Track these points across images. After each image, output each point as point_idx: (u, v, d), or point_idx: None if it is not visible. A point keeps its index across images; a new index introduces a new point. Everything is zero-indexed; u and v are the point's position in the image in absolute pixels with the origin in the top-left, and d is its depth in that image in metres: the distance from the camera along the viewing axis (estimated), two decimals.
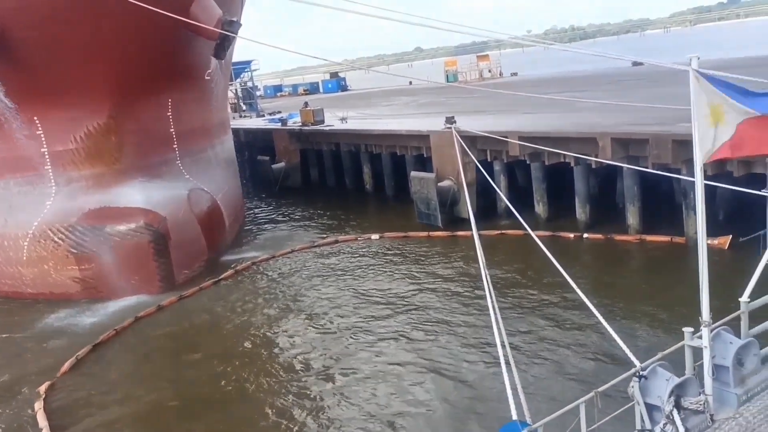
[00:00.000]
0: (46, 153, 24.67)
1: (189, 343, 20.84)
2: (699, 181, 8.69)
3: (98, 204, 24.84)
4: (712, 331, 8.88)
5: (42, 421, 16.16)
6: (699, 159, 8.55)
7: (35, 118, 24.05)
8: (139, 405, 17.08)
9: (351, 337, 19.28)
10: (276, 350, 19.51)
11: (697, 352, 9.05)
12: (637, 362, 9.07)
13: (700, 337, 8.87)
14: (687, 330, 9.15)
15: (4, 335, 23.03)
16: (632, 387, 8.82)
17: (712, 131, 8.19)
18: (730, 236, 21.51)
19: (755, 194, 15.97)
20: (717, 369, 9.06)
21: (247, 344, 20.14)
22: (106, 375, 19.00)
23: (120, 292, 24.65)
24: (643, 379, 8.76)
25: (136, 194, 25.13)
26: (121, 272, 24.61)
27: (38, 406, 16.94)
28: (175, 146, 27.62)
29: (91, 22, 22.00)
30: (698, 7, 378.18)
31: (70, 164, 24.86)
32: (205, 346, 20.33)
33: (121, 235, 24.39)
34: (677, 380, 8.70)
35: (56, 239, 24.74)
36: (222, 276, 26.01)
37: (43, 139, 24.47)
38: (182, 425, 15.94)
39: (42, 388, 17.83)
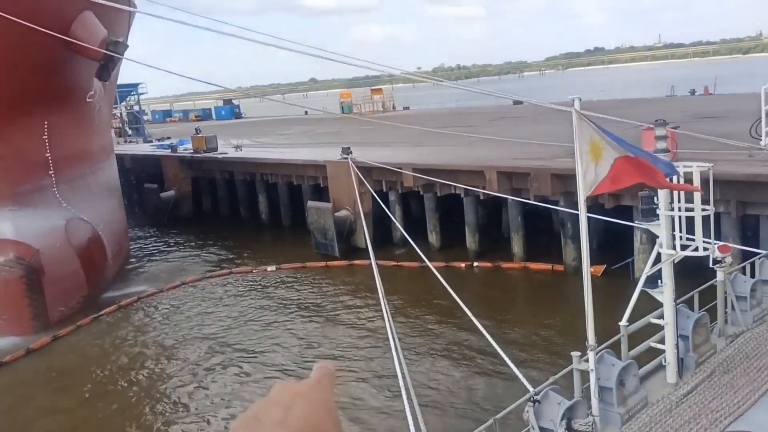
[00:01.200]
0: None
1: (59, 389, 19.04)
2: (583, 215, 9.28)
3: None
4: (597, 354, 9.41)
5: None
6: (582, 193, 9.15)
7: None
8: None
9: (241, 375, 18.54)
10: (157, 393, 18.35)
11: (584, 375, 9.55)
12: (530, 387, 9.41)
13: (587, 361, 9.37)
14: (575, 354, 9.64)
15: None
16: (527, 412, 9.13)
17: (593, 167, 8.80)
18: (605, 265, 23.12)
19: (623, 225, 17.41)
20: (602, 391, 9.60)
21: (125, 386, 18.83)
22: None
23: None
24: (537, 404, 9.10)
25: (4, 224, 22.97)
26: None
27: None
28: (51, 172, 25.63)
29: None
30: (569, 53, 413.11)
31: None
32: (82, 392, 18.71)
33: None
34: (568, 403, 9.11)
35: None
36: (102, 312, 24.24)
37: None
38: None
39: None
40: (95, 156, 30.43)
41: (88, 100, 27.72)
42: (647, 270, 10.30)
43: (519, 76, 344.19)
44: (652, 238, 10.70)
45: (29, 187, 24.48)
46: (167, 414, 16.91)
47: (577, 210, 9.70)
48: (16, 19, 18.84)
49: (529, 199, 23.04)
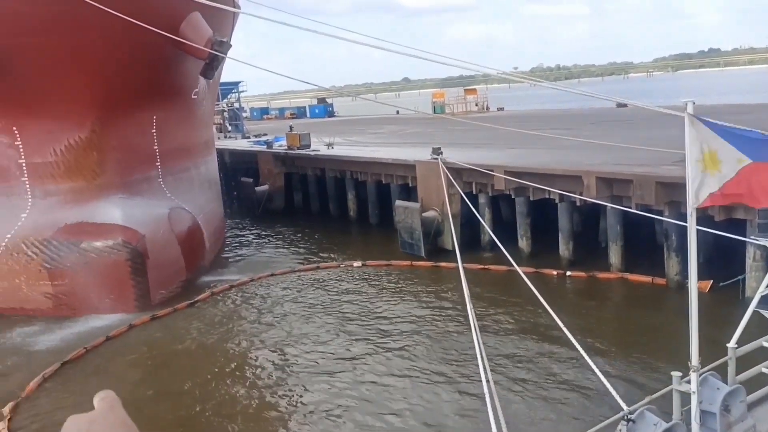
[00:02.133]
0: (23, 164, 24.12)
1: (158, 363, 20.30)
2: (692, 227, 8.61)
3: (76, 219, 24.26)
4: (700, 376, 8.76)
5: None
6: (691, 204, 8.49)
7: (14, 128, 23.56)
8: None
9: (325, 366, 18.83)
10: (247, 374, 19.05)
11: (685, 397, 8.91)
12: (624, 406, 8.90)
13: (689, 382, 8.73)
14: (675, 374, 9.02)
15: None
16: (620, 431, 8.64)
17: (704, 177, 8.13)
18: (711, 281, 21.61)
19: (735, 240, 16.14)
20: (704, 415, 8.92)
21: (219, 366, 19.62)
22: (73, 395, 18.28)
23: (94, 310, 23.95)
24: (630, 423, 8.60)
25: (115, 210, 24.61)
26: (96, 290, 23.93)
27: (2, 426, 16.21)
28: (157, 164, 27.23)
29: (77, 34, 21.73)
30: (680, 54, 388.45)
31: (48, 177, 24.31)
32: (175, 368, 19.84)
33: (97, 252, 23.80)
34: (665, 425, 8.54)
35: (30, 253, 24.05)
36: (198, 298, 25.44)
37: (22, 150, 23.95)
38: None
39: (6, 409, 17.10)
40: (198, 150, 32.02)
41: (193, 96, 29.20)
42: (762, 289, 9.45)
43: (624, 77, 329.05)
44: None
45: (138, 177, 26.09)
46: (246, 392, 17.47)
47: (684, 221, 9.02)
48: (131, 19, 20.03)
49: (630, 208, 21.87)
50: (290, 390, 17.60)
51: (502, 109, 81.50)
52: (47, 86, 22.74)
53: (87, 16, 21.26)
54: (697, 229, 8.58)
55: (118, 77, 23.47)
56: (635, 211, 19.98)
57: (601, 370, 10.27)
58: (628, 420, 8.59)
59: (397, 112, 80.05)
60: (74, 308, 24.10)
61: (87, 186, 24.58)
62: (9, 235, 24.26)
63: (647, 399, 9.13)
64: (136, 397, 18.12)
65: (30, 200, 24.45)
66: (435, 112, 73.95)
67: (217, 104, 57.70)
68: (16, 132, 23.73)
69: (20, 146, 23.95)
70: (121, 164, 25.22)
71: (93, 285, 23.84)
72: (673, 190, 21.71)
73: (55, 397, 18.20)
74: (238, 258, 32.72)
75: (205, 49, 24.26)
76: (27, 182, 24.33)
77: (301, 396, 17.22)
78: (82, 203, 24.43)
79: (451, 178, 26.36)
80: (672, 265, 22.75)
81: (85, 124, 23.90)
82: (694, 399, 8.67)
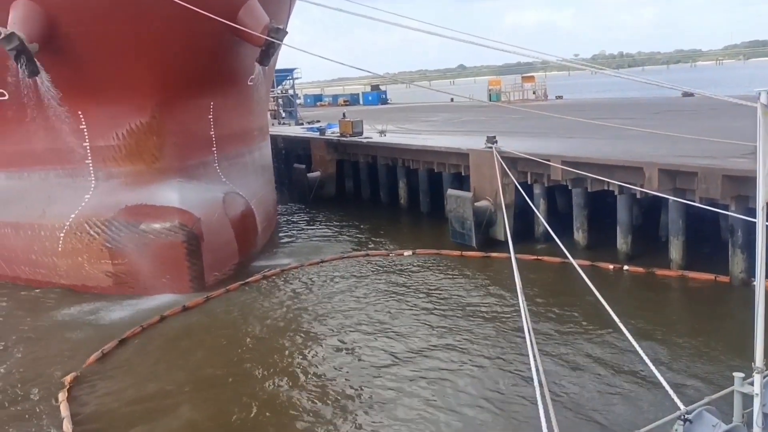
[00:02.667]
0: (88, 147, 25.04)
1: (211, 344, 20.76)
2: (761, 223, 8.13)
3: (135, 201, 25.06)
4: (764, 378, 8.34)
5: (64, 411, 16.24)
6: (762, 198, 7.99)
7: (80, 112, 24.45)
8: (159, 400, 17.03)
9: (372, 354, 18.84)
10: (295, 356, 19.30)
11: (747, 399, 8.52)
12: (681, 405, 8.58)
13: (752, 384, 8.34)
14: (737, 375, 8.64)
15: (34, 324, 23.29)
16: (676, 431, 8.34)
17: None
18: None
19: None
20: (766, 418, 8.50)
21: (269, 348, 19.97)
22: (129, 370, 19.01)
23: (151, 289, 24.77)
24: (687, 423, 8.29)
25: (172, 194, 25.29)
26: (153, 270, 24.73)
27: (62, 396, 17.00)
28: (213, 149, 27.80)
29: (139, 21, 22.32)
30: (753, 41, 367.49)
31: (110, 160, 25.18)
32: (227, 348, 20.26)
33: (155, 233, 24.54)
34: (725, 427, 8.24)
35: (92, 233, 25.02)
36: (249, 280, 25.93)
37: (86, 133, 24.85)
38: (207, 426, 15.79)
39: (67, 379, 17.90)
40: (253, 136, 32.53)
41: (249, 83, 29.61)
42: None
43: (691, 65, 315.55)
44: None
45: (195, 161, 26.72)
46: (294, 374, 17.70)
47: (752, 217, 8.53)
48: (191, 7, 20.42)
49: (693, 201, 20.94)
50: (338, 375, 17.70)
51: (560, 97, 79.61)
52: (111, 72, 23.48)
53: (149, 4, 21.85)
54: (767, 225, 8.09)
55: (178, 64, 24.00)
56: (699, 205, 19.07)
57: (657, 368, 9.87)
58: (685, 420, 8.28)
59: (452, 100, 79.31)
60: (132, 287, 24.98)
61: (147, 169, 25.33)
62: (73, 215, 25.29)
63: (706, 399, 8.80)
64: (189, 375, 18.66)
65: (93, 182, 25.40)
66: (491, 100, 72.88)
67: (272, 91, 58.48)
68: (81, 116, 24.63)
69: (85, 130, 24.86)
70: (179, 149, 25.86)
71: (151, 265, 24.63)
72: (741, 184, 20.63)
73: (111, 371, 18.92)
74: (289, 243, 33.16)
75: (262, 36, 24.52)
76: (91, 165, 25.27)
77: (347, 381, 17.29)
78: (141, 186, 25.21)
79: (505, 167, 25.84)
80: (737, 262, 21.68)
81: (146, 110, 24.58)
82: (757, 401, 8.28)
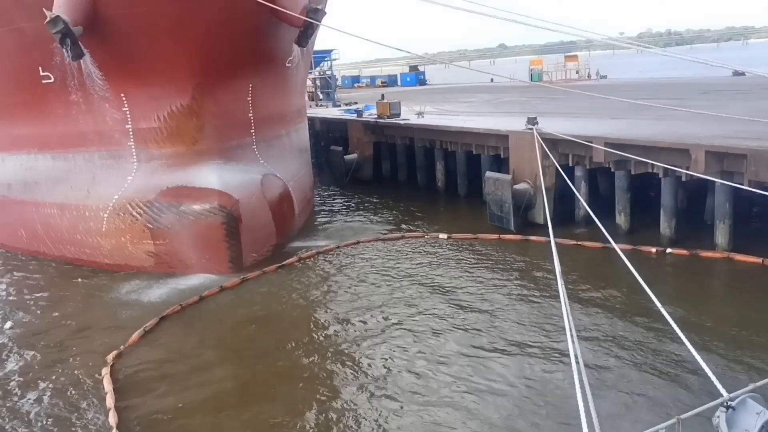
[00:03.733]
0: (130, 129, 25.51)
1: (249, 324, 21.09)
2: None
3: (176, 182, 25.47)
4: None
5: (107, 385, 16.79)
6: None
7: (122, 94, 24.88)
8: (197, 376, 17.43)
9: (410, 337, 18.82)
10: (331, 338, 19.44)
11: None
12: (724, 392, 8.33)
13: None
14: None
15: (79, 302, 24.06)
16: (718, 417, 8.17)
17: None
18: None
19: None
20: None
21: (301, 330, 20.17)
22: (170, 347, 19.47)
23: (191, 269, 25.26)
24: (730, 410, 8.09)
25: (212, 175, 25.61)
26: (193, 250, 25.19)
27: (105, 371, 17.55)
28: (252, 131, 27.99)
29: (179, 4, 22.47)
30: None
31: (152, 142, 25.61)
32: (265, 329, 20.56)
33: (195, 214, 24.94)
34: None
35: (135, 213, 25.59)
36: (285, 262, 26.18)
37: (129, 115, 25.30)
38: (243, 400, 16.11)
39: (110, 356, 18.46)
40: (290, 118, 32.62)
41: (287, 65, 29.61)
42: None
43: (743, 43, 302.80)
44: None
45: (234, 143, 26.96)
46: (330, 356, 17.84)
47: None
48: None
49: (742, 184, 20.14)
50: (373, 355, 17.79)
51: (604, 77, 77.56)
52: (152, 55, 23.75)
53: None
54: None
55: (217, 45, 24.12)
56: (748, 188, 18.35)
57: (700, 354, 9.56)
58: (728, 407, 8.07)
59: (492, 80, 78.08)
60: (174, 266, 25.50)
61: (187, 151, 25.68)
62: (116, 197, 25.89)
63: (751, 386, 8.55)
64: (229, 355, 19.03)
65: (135, 164, 25.90)
66: (532, 80, 71.54)
67: (310, 72, 58.50)
68: (124, 98, 25.07)
69: (127, 112, 25.32)
70: (219, 131, 26.11)
71: (191, 245, 25.10)
72: None
73: (153, 348, 19.43)
74: (326, 225, 33.33)
75: (301, 16, 24.42)
76: (133, 146, 25.75)
77: (384, 361, 17.36)
78: (182, 167, 25.59)
79: (546, 149, 25.30)
80: None
81: (187, 91, 24.84)
82: None
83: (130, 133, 25.55)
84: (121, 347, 19.21)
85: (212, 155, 25.94)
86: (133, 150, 25.78)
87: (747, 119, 23.64)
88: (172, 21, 22.82)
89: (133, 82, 24.43)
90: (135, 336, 19.88)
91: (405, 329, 19.34)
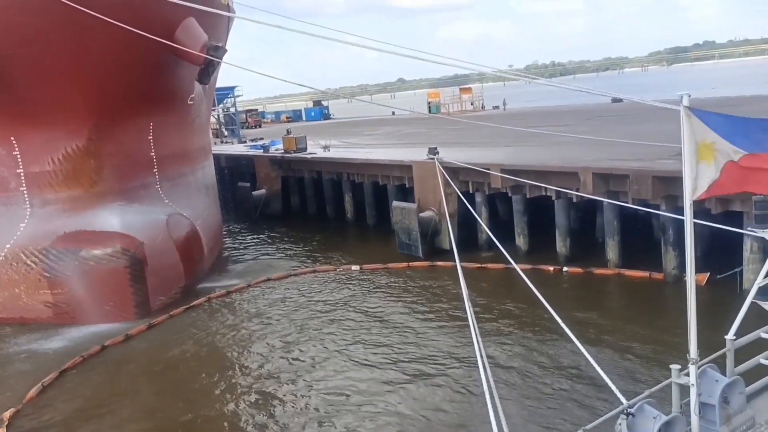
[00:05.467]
0: (22, 174, 24.13)
1: (155, 372, 20.31)
2: (688, 220, 8.65)
3: (74, 227, 24.28)
4: (699, 368, 8.80)
5: None
6: (688, 197, 8.53)
7: (12, 138, 23.58)
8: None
9: (322, 371, 18.82)
10: (243, 380, 19.04)
11: (684, 390, 8.95)
12: (624, 399, 8.92)
13: (688, 375, 8.77)
14: (674, 367, 9.06)
15: None
16: (620, 425, 8.66)
17: (701, 169, 8.19)
18: (708, 273, 21.70)
19: (732, 232, 16.22)
20: (703, 407, 8.95)
21: (214, 373, 19.63)
22: (71, 403, 18.33)
23: (94, 319, 23.95)
24: (630, 417, 8.62)
25: (113, 218, 24.63)
26: (96, 298, 23.94)
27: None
28: (155, 170, 27.25)
29: (73, 43, 21.77)
30: (675, 48, 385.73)
31: (46, 186, 24.33)
32: (171, 375, 19.84)
33: (96, 260, 23.81)
34: (664, 418, 8.56)
35: (29, 262, 24.06)
36: (194, 303, 25.45)
37: (20, 159, 23.96)
38: None
39: (6, 415, 17.14)
40: (195, 155, 32.04)
41: (189, 102, 29.24)
42: (760, 280, 9.51)
43: (619, 72, 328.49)
44: (765, 247, 9.87)
45: (136, 183, 26.12)
46: (242, 398, 17.49)
47: (681, 215, 9.07)
48: (125, 26, 20.08)
49: (626, 203, 21.97)
50: (286, 393, 17.63)
51: (497, 107, 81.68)
52: (44, 95, 22.78)
53: (82, 25, 21.30)
54: (694, 222, 8.63)
55: (114, 84, 23.50)
56: (632, 206, 20.06)
57: (599, 365, 10.30)
58: (628, 414, 8.61)
59: (393, 113, 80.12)
60: (74, 317, 24.09)
61: (85, 194, 24.60)
62: (8, 245, 24.27)
63: (647, 392, 9.14)
64: (134, 406, 18.14)
65: (29, 209, 24.46)
66: (431, 112, 74.02)
67: (213, 109, 57.65)
68: (14, 142, 23.76)
69: (18, 156, 23.97)
70: (119, 171, 25.25)
71: (92, 293, 23.85)
72: (669, 184, 21.79)
73: (53, 405, 18.20)
74: (236, 262, 32.74)
75: (201, 54, 24.30)
76: (25, 192, 24.35)
77: (297, 399, 17.24)
78: (80, 211, 24.45)
79: (447, 177, 26.41)
80: (669, 259, 22.84)
81: (83, 132, 23.93)
82: (693, 391, 8.70)
83: (22, 177, 24.18)
84: (18, 405, 17.86)
85: (113, 197, 25.01)
86: (26, 195, 24.37)
87: (626, 142, 25.81)
88: (64, 61, 22.05)
89: (23, 123, 23.26)
90: (33, 392, 18.57)
91: (315, 365, 19.31)
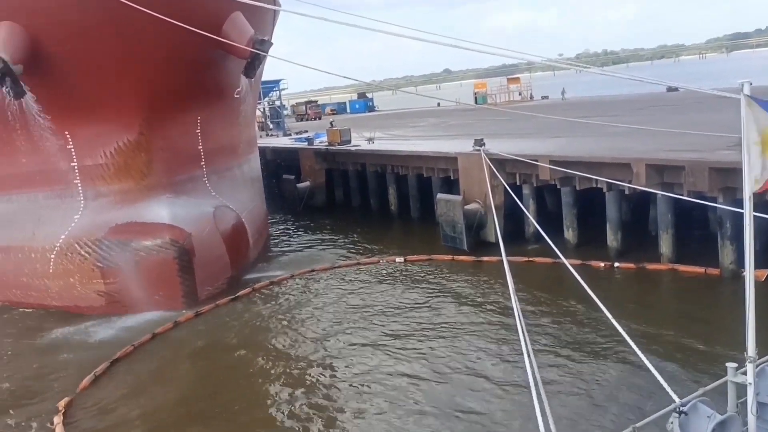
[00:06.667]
0: (75, 167, 24.93)
1: (205, 358, 20.72)
2: (748, 213, 8.20)
3: (125, 219, 24.95)
4: (757, 367, 8.40)
5: None
6: (748, 189, 8.08)
7: (66, 132, 24.36)
8: (156, 421, 16.91)
9: (365, 363, 18.78)
10: (286, 369, 19.20)
11: (741, 389, 8.57)
12: (676, 398, 8.62)
13: (745, 373, 8.40)
14: (730, 365, 8.69)
15: (26, 348, 23.06)
16: (671, 423, 8.38)
17: (763, 160, 7.72)
18: None
19: None
20: (760, 407, 8.58)
21: (258, 360, 19.91)
22: (124, 391, 18.84)
23: (143, 307, 24.62)
24: (683, 416, 8.32)
25: (162, 210, 25.19)
26: (146, 287, 24.59)
27: (57, 420, 16.83)
28: (202, 163, 27.74)
29: (123, 39, 22.29)
30: (735, 34, 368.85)
31: (99, 179, 25.07)
32: (221, 362, 20.18)
33: (146, 251, 24.43)
34: (719, 417, 8.24)
35: (83, 253, 24.87)
36: (239, 293, 25.84)
37: (74, 153, 24.75)
38: None
39: (61, 404, 17.72)
40: (241, 149, 32.50)
41: (235, 96, 29.60)
42: None
43: (675, 60, 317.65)
44: None
45: (184, 176, 26.65)
46: (285, 387, 17.65)
47: (739, 208, 8.60)
48: (174, 21, 20.42)
49: (681, 195, 21.11)
50: (326, 382, 17.71)
51: (546, 97, 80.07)
52: (96, 91, 23.41)
53: (132, 21, 21.78)
54: (754, 216, 8.17)
55: (163, 79, 23.96)
56: (687, 199, 19.26)
57: (651, 363, 9.92)
58: (681, 412, 8.32)
59: (438, 104, 79.60)
60: (125, 306, 24.81)
61: (135, 186, 25.23)
62: (63, 236, 25.14)
63: (701, 391, 8.82)
64: (186, 393, 18.56)
65: (82, 202, 25.27)
66: (477, 103, 73.23)
67: (259, 102, 58.48)
68: (68, 136, 24.54)
69: (72, 150, 24.76)
70: (168, 165, 25.79)
71: (143, 283, 24.50)
72: (727, 176, 20.85)
73: (106, 392, 18.75)
74: (281, 254, 33.10)
75: (247, 48, 24.50)
76: (79, 184, 25.15)
77: (336, 388, 17.28)
78: (131, 203, 25.11)
79: (494, 169, 25.96)
80: (726, 253, 21.87)
81: (134, 127, 24.51)
82: (750, 390, 8.32)
83: (76, 170, 24.97)
84: (73, 394, 18.45)
85: (162, 189, 25.56)
86: (80, 188, 25.17)
87: (682, 132, 24.84)
88: (115, 56, 22.59)
89: (77, 119, 23.97)
90: (86, 381, 19.15)
91: (356, 355, 19.31)
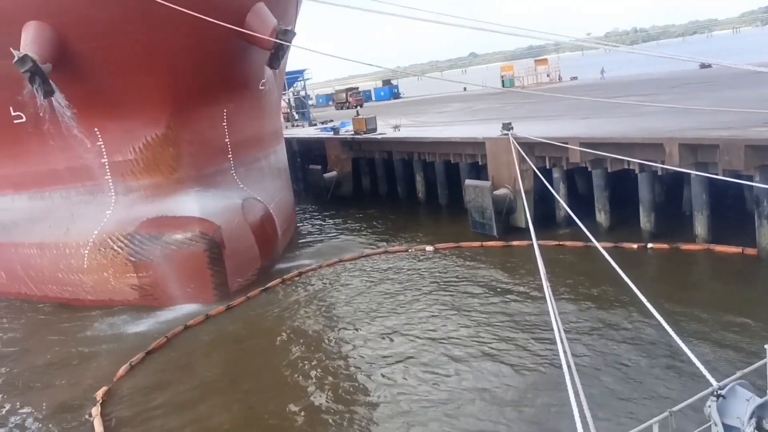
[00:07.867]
0: (106, 163, 25.32)
1: (236, 351, 20.92)
2: None
3: (156, 213, 25.29)
4: None
5: (98, 426, 16.44)
6: None
7: (96, 129, 24.71)
8: (191, 411, 17.16)
9: (396, 351, 18.77)
10: (318, 355, 19.39)
11: None
12: (713, 381, 8.39)
13: None
14: None
15: (63, 341, 23.64)
16: (709, 407, 8.19)
17: None
18: None
19: None
20: None
21: (296, 352, 20.02)
22: (159, 381, 19.19)
23: (176, 300, 25.00)
24: (721, 399, 8.11)
25: (192, 203, 25.47)
26: (177, 280, 24.95)
27: (95, 411, 17.23)
28: (229, 156, 27.92)
29: (148, 34, 22.44)
30: None
31: (129, 174, 25.43)
32: (252, 354, 20.38)
33: (177, 244, 24.75)
34: (759, 400, 8.01)
35: (116, 247, 25.32)
36: (268, 285, 26.01)
37: (104, 149, 25.12)
38: (234, 429, 15.91)
39: (99, 393, 18.14)
40: (267, 140, 32.60)
41: (260, 87, 29.66)
42: None
43: (707, 35, 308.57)
44: None
45: (212, 169, 26.85)
46: (319, 378, 17.74)
47: None
48: (197, 15, 20.50)
49: (716, 174, 20.49)
50: (361, 373, 17.71)
51: (575, 78, 78.61)
52: (123, 87, 23.66)
53: (156, 15, 21.94)
54: None
55: (189, 73, 24.10)
56: (722, 178, 18.68)
57: (687, 345, 9.66)
58: (718, 396, 8.11)
59: (465, 89, 78.83)
60: (158, 299, 25.23)
61: (165, 181, 25.52)
62: (96, 232, 25.61)
63: (739, 374, 8.61)
64: (219, 384, 18.80)
65: (113, 197, 25.68)
66: (504, 86, 72.29)
67: (284, 93, 58.59)
68: (98, 132, 24.90)
69: (102, 146, 25.14)
70: (196, 158, 26.02)
71: (175, 276, 24.86)
72: (764, 153, 20.17)
73: (141, 383, 19.14)
74: (309, 244, 33.22)
75: (271, 39, 24.46)
76: (110, 180, 25.54)
77: (373, 380, 17.28)
78: (161, 198, 25.42)
79: (522, 153, 25.58)
80: (764, 233, 21.20)
81: (161, 121, 24.75)
82: None
83: (106, 166, 25.36)
84: (110, 384, 18.88)
85: (191, 183, 25.82)
86: (110, 183, 25.57)
87: (716, 110, 24.12)
88: (141, 51, 22.77)
89: (106, 115, 24.29)
90: (122, 371, 19.59)
91: (386, 344, 19.31)
